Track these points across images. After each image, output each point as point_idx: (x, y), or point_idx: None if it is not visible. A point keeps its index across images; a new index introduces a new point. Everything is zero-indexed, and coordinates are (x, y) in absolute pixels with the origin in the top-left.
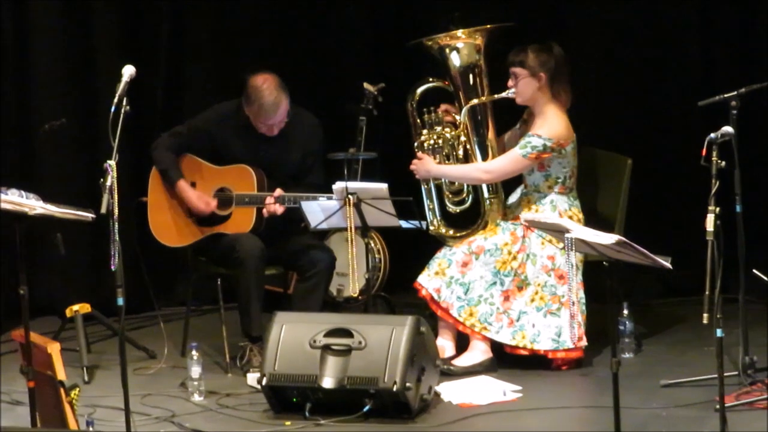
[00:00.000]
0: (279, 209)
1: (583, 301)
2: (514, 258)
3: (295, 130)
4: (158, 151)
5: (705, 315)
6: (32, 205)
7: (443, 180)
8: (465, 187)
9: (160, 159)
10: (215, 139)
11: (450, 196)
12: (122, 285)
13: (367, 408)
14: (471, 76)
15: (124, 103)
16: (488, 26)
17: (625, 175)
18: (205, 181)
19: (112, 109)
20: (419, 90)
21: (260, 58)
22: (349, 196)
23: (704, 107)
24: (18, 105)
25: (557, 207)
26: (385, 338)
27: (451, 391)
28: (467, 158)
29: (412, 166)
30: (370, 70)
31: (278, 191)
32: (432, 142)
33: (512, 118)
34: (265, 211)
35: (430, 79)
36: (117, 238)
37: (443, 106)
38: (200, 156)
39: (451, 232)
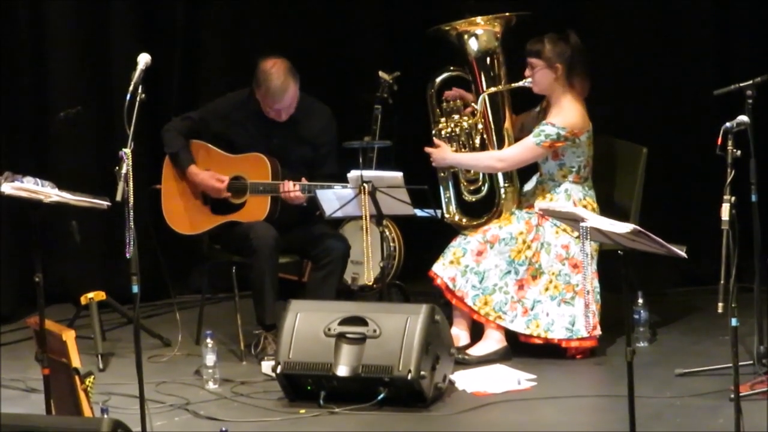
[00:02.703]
0: (300, 195)
1: (598, 290)
2: (529, 247)
3: (307, 121)
4: (169, 134)
5: (720, 304)
6: (48, 192)
7: (459, 168)
8: (481, 175)
9: (171, 142)
10: (227, 127)
11: (466, 184)
12: (137, 272)
13: (381, 396)
14: (489, 63)
15: (140, 91)
16: (507, 14)
17: (641, 163)
18: (220, 169)
19: (128, 97)
20: (439, 79)
21: (276, 46)
22: (364, 184)
23: (720, 96)
24: (34, 93)
25: (572, 196)
26: (400, 327)
27: (466, 380)
28: (484, 147)
29: (429, 150)
30: (386, 58)
31: (291, 184)
32: (449, 130)
33: (529, 107)
34: (284, 196)
35: (451, 68)
36: (132, 225)
37: (456, 91)
38: (212, 144)
39: (465, 220)
